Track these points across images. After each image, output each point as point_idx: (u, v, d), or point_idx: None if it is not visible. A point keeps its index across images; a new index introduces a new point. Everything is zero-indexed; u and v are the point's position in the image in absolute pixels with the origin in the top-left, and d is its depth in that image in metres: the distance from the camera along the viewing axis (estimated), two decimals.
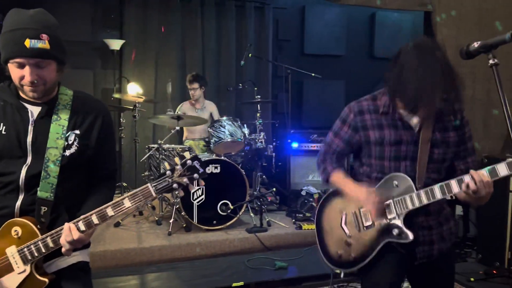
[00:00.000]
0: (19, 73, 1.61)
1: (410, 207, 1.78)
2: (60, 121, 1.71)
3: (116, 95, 5.13)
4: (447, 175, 1.85)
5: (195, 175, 1.53)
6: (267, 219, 4.49)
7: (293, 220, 4.61)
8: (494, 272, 3.69)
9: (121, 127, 5.22)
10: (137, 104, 4.72)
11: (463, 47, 1.54)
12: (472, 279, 3.63)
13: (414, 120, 1.83)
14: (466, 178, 1.64)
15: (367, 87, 7.91)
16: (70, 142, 1.72)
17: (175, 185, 1.54)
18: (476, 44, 1.48)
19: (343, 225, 1.96)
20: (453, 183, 1.68)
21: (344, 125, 1.96)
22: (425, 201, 1.74)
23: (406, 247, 1.83)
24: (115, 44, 5.90)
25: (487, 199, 1.66)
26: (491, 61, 1.42)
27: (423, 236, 1.86)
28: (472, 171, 1.63)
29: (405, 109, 1.80)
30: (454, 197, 1.73)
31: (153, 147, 4.64)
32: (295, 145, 5.54)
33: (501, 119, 2.34)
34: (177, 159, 1.55)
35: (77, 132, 1.74)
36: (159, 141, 4.49)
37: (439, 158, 1.85)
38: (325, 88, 7.29)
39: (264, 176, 5.39)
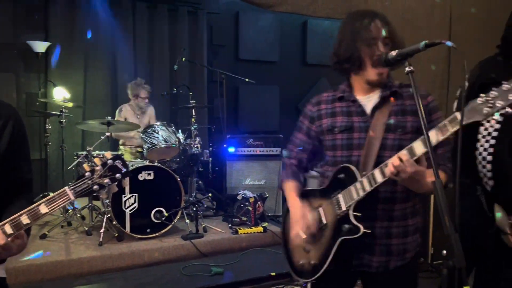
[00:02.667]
0: None
1: (355, 197, 1.66)
2: None
3: (41, 100, 4.84)
4: None
5: (117, 175, 1.47)
6: (203, 225, 4.44)
7: (230, 225, 4.62)
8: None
9: (46, 133, 4.93)
10: (63, 109, 4.48)
11: (381, 55, 1.61)
12: None
13: (370, 104, 1.74)
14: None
15: (301, 92, 8.18)
16: None
17: (95, 187, 1.46)
18: (393, 53, 1.56)
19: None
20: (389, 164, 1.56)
21: (304, 119, 1.91)
22: (367, 187, 1.63)
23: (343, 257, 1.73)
24: (40, 46, 5.59)
25: (419, 182, 1.56)
26: (407, 69, 1.50)
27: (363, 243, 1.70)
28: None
29: (363, 89, 1.76)
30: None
31: (82, 154, 4.44)
32: (231, 149, 5.54)
33: None
34: (97, 160, 1.49)
35: None
36: (88, 148, 4.30)
37: (394, 144, 1.68)
38: (260, 93, 7.37)
39: (200, 182, 5.36)
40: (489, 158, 2.10)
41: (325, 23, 7.82)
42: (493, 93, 1.41)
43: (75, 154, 4.63)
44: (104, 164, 1.47)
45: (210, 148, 6.07)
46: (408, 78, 1.50)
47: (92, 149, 4.34)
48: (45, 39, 5.86)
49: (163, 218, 4.14)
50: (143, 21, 6.48)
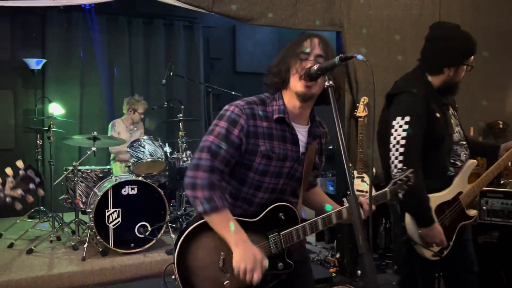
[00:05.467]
0: None
1: (295, 240, 1.70)
2: None
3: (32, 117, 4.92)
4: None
5: (31, 186, 1.44)
6: None
7: None
8: None
9: (38, 149, 5.02)
10: (51, 125, 4.56)
11: (307, 69, 1.58)
12: None
13: (303, 137, 1.73)
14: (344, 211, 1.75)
15: None
16: None
17: (8, 199, 1.43)
18: (315, 67, 1.53)
19: (221, 266, 1.63)
20: (333, 215, 1.74)
21: (234, 128, 1.60)
22: (309, 233, 1.73)
23: None
24: (36, 63, 5.71)
25: None
26: (326, 83, 1.47)
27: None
28: (361, 200, 1.72)
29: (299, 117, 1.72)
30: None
31: (69, 169, 4.48)
32: None
33: None
34: (8, 170, 1.45)
35: None
36: (74, 163, 4.35)
37: (311, 181, 1.90)
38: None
39: None
40: (399, 165, 2.16)
41: (324, 34, 7.75)
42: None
43: (64, 169, 4.69)
44: (15, 175, 1.44)
45: None
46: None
47: (78, 164, 4.39)
48: (42, 56, 5.99)
49: (146, 233, 4.14)
50: (139, 36, 6.58)
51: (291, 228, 1.69)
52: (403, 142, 2.19)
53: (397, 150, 2.21)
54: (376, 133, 2.44)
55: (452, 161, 2.37)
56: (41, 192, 1.46)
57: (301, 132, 1.73)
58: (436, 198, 2.27)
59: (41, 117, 5.38)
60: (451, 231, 2.30)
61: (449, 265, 2.43)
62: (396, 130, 2.23)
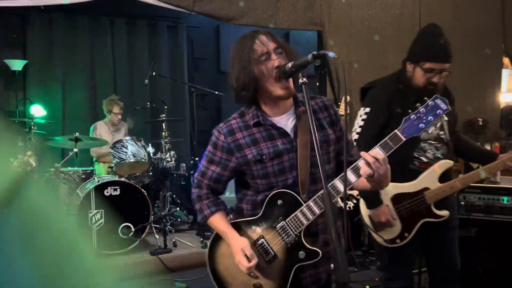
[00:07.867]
0: None
1: (305, 222, 1.64)
2: None
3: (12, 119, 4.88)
4: (337, 176, 1.70)
5: None
6: (173, 240, 4.42)
7: (201, 239, 4.58)
8: None
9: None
10: (32, 127, 4.52)
11: (281, 67, 1.60)
12: (367, 286, 3.77)
13: (289, 124, 1.73)
14: (359, 164, 1.62)
15: None
16: None
17: None
18: (289, 65, 1.56)
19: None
20: (337, 181, 1.64)
21: (216, 150, 1.75)
22: (317, 211, 1.63)
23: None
24: (17, 64, 5.65)
25: (387, 178, 1.61)
26: (300, 80, 1.49)
27: None
28: (363, 153, 1.59)
29: (270, 111, 1.73)
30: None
31: (51, 171, 4.45)
32: None
33: None
34: None
35: None
36: (56, 164, 4.32)
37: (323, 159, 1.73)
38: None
39: (174, 196, 5.33)
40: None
41: (308, 33, 7.79)
42: (422, 109, 1.62)
43: (46, 171, 4.64)
44: None
45: (192, 161, 6.05)
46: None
47: (60, 165, 4.36)
48: (23, 57, 5.92)
49: (130, 234, 4.12)
50: (122, 37, 6.53)
51: (296, 211, 1.66)
52: (358, 130, 2.40)
53: (353, 138, 2.38)
54: None
55: (416, 155, 2.37)
56: None
57: (289, 120, 1.74)
58: (394, 187, 2.34)
59: (22, 119, 5.32)
60: (411, 224, 2.36)
61: (431, 262, 2.56)
62: (356, 120, 2.44)
